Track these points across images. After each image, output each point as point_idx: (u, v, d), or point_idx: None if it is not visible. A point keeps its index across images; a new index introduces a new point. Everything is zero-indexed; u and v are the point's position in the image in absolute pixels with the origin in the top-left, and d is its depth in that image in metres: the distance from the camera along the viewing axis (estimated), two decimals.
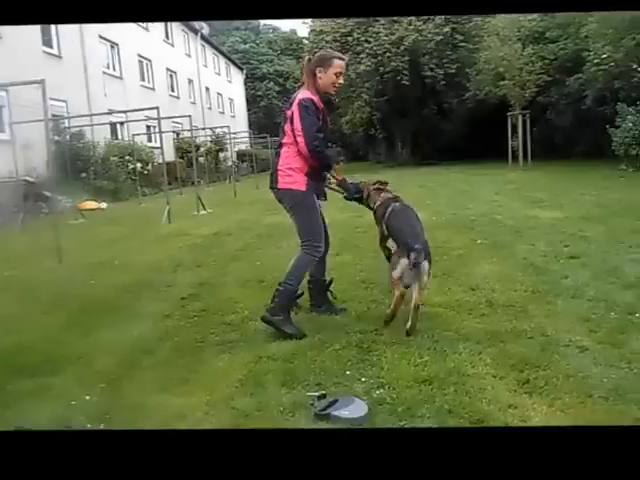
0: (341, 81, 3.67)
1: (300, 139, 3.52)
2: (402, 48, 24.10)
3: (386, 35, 24.17)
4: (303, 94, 3.60)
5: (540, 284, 4.36)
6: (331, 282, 4.05)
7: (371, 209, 3.97)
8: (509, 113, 20.09)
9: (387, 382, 2.76)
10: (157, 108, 11.34)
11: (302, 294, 3.92)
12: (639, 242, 5.61)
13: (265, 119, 50.00)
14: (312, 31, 28.44)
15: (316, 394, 2.57)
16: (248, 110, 45.55)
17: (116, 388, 2.92)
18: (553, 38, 20.82)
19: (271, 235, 7.86)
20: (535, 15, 20.79)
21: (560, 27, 20.62)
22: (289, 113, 3.60)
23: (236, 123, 36.74)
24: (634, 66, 15.23)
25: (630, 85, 15.59)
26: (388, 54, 24.39)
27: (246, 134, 32.59)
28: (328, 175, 3.89)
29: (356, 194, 4.00)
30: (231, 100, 40.33)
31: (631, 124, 14.26)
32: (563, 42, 20.26)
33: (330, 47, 26.10)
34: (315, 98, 3.59)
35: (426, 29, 24.01)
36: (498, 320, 3.60)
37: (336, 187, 3.99)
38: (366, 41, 24.75)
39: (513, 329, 3.42)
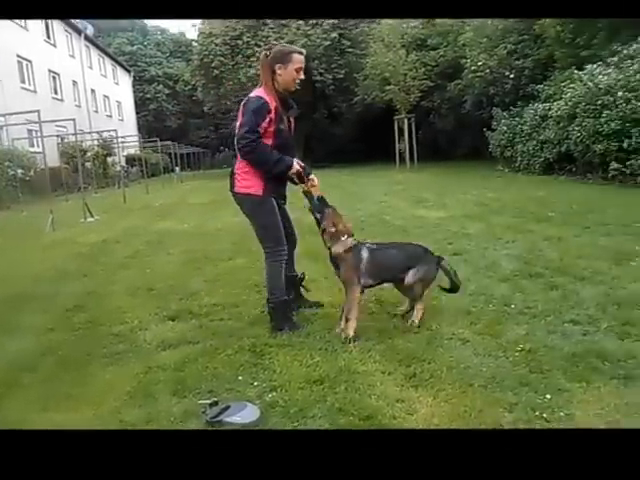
0: (302, 76, 3.52)
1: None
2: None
3: (275, 39, 24.22)
4: (254, 92, 3.46)
5: None
6: (303, 277, 3.92)
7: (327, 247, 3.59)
8: (395, 117, 20.94)
9: (279, 385, 2.76)
10: (38, 111, 10.92)
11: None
12: (514, 238, 6.03)
13: (155, 122, 48.84)
14: (201, 34, 27.88)
15: (207, 401, 2.55)
16: (137, 113, 44.46)
17: None
18: (434, 45, 21.97)
19: (161, 241, 7.73)
20: (417, 22, 21.83)
21: (440, 35, 21.82)
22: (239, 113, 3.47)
23: (124, 127, 36.04)
24: (506, 73, 16.45)
25: (504, 91, 16.82)
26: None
27: (135, 138, 31.98)
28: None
29: (318, 213, 3.59)
30: (119, 103, 39.17)
31: (505, 127, 15.36)
32: (443, 49, 21.45)
33: (220, 50, 25.73)
34: (268, 97, 3.41)
35: (314, 34, 24.37)
36: (387, 317, 3.70)
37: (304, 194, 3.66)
38: (256, 45, 24.65)
39: (401, 325, 3.51)
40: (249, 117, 3.34)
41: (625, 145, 10.06)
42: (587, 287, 4.09)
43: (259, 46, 24.63)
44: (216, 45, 25.63)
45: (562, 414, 2.36)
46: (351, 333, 3.33)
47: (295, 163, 3.46)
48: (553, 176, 12.74)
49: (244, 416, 2.44)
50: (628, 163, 10.06)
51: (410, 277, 3.51)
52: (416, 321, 3.51)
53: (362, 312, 3.73)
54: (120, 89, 39.73)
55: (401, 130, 20.81)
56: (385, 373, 2.84)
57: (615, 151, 10.41)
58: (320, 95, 26.64)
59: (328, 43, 24.70)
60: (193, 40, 34.84)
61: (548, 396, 2.50)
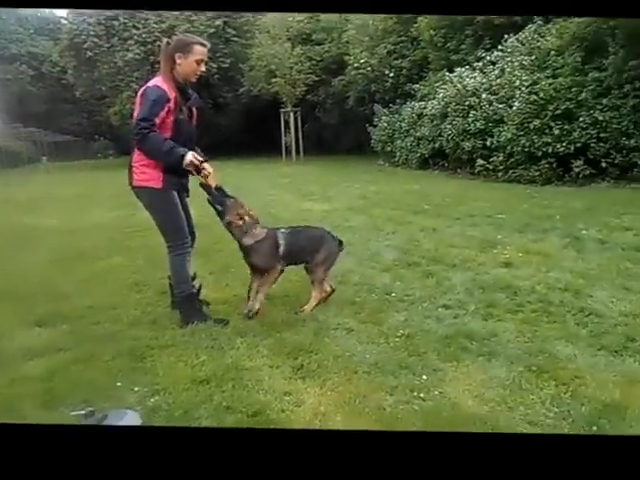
0: (203, 69, 3.44)
1: None
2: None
3: (156, 22, 23.21)
4: (152, 81, 3.36)
5: None
6: (200, 289, 3.72)
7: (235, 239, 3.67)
8: (281, 110, 21.00)
9: (163, 388, 2.69)
10: None
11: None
12: (394, 229, 6.37)
13: (18, 107, 44.87)
14: (72, 11, 25.94)
15: (82, 412, 2.35)
16: None
17: None
18: (319, 40, 22.30)
19: (25, 239, 7.00)
20: (302, 16, 22.00)
21: (325, 30, 22.19)
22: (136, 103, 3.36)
23: None
24: (386, 72, 17.15)
25: (384, 89, 17.51)
26: (159, 43, 23.51)
27: None
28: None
29: (219, 205, 3.59)
30: None
31: (386, 124, 16.03)
32: (328, 45, 21.85)
33: (93, 30, 24.10)
34: (165, 86, 3.31)
35: (198, 20, 23.71)
36: (274, 311, 3.74)
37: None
38: (134, 27, 23.44)
39: (288, 318, 3.58)
40: (146, 106, 3.26)
41: (488, 143, 10.95)
42: (457, 274, 4.45)
43: (137, 28, 23.46)
44: (89, 24, 23.83)
45: (436, 393, 2.57)
46: (257, 306, 3.53)
47: (190, 154, 3.32)
48: (428, 171, 13.53)
49: (124, 424, 2.29)
50: (491, 160, 10.96)
51: (317, 258, 3.72)
52: (307, 308, 3.64)
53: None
54: None
55: (287, 123, 20.92)
56: (273, 367, 2.89)
57: (480, 148, 11.29)
58: (204, 84, 26.00)
59: (212, 31, 24.09)
60: (62, 17, 32.20)
61: (424, 377, 2.72)
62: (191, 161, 3.34)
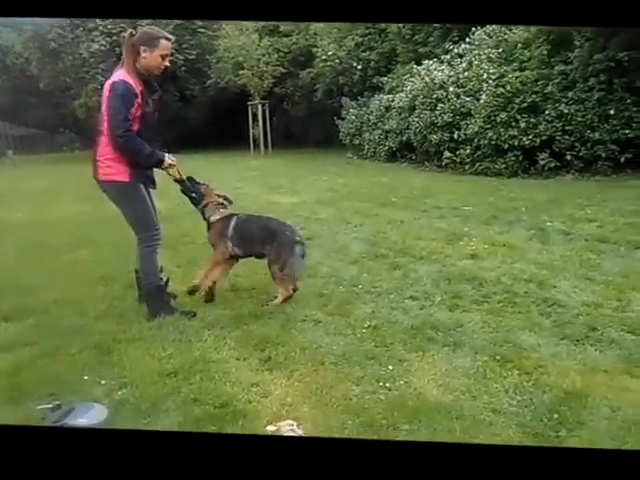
0: (167, 63, 3.39)
1: (106, 126, 3.23)
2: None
3: None
4: (118, 75, 3.26)
5: None
6: (167, 282, 3.67)
7: (205, 219, 3.86)
8: (249, 102, 20.83)
9: (130, 381, 2.68)
10: None
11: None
12: (362, 222, 6.40)
13: None
14: None
15: (49, 406, 2.35)
16: None
17: None
18: (287, 32, 22.17)
19: None
20: None
21: (293, 22, 22.09)
22: (103, 96, 3.28)
23: None
24: (354, 64, 17.17)
25: (352, 81, 17.53)
26: (124, 34, 23.01)
27: None
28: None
29: (193, 193, 3.81)
30: None
31: (354, 117, 16.05)
32: (296, 36, 21.74)
33: (57, 21, 23.49)
34: (131, 80, 3.25)
35: None
36: (242, 304, 3.73)
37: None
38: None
39: (255, 310, 3.57)
40: (119, 104, 3.22)
41: (456, 136, 11.06)
42: (424, 266, 4.49)
43: (103, 20, 22.94)
44: None
45: (402, 382, 2.60)
46: (197, 282, 3.67)
47: (167, 157, 3.44)
48: (396, 163, 13.62)
49: (91, 417, 2.30)
50: (458, 152, 11.07)
51: (270, 253, 3.69)
52: (269, 304, 3.63)
53: (217, 300, 3.75)
54: None
55: (255, 116, 20.77)
56: (240, 359, 2.89)
57: (448, 141, 11.39)
58: (171, 76, 25.58)
59: (179, 22, 23.73)
60: None
61: (390, 367, 2.75)
62: (169, 164, 3.47)
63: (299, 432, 2.15)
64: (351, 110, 16.30)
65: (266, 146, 20.48)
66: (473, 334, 3.13)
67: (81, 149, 40.28)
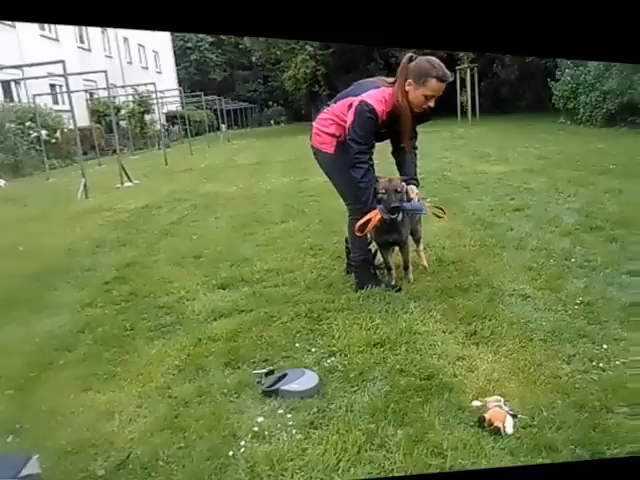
0: (431, 104, 3.14)
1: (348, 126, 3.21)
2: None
3: None
4: (374, 94, 3.14)
5: (487, 238, 4.52)
6: (375, 254, 3.77)
7: None
8: (457, 67, 19.93)
9: (338, 350, 2.72)
10: (62, 62, 9.40)
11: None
12: (575, 191, 5.94)
13: (198, 75, 43.36)
14: None
15: (263, 371, 2.48)
16: (177, 65, 40.02)
17: (27, 394, 2.60)
18: None
19: (208, 205, 7.41)
20: None
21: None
22: (351, 99, 3.22)
23: (163, 80, 31.74)
24: None
25: None
26: None
27: (176, 93, 28.16)
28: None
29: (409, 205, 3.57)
30: (156, 53, 35.19)
31: (569, 77, 14.62)
32: None
33: None
34: (381, 107, 3.12)
35: None
36: (448, 276, 3.74)
37: None
38: None
39: (462, 284, 3.56)
40: (363, 127, 3.14)
41: None
42: None
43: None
44: None
45: (618, 362, 2.45)
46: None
47: (376, 214, 3.27)
48: (614, 128, 12.14)
49: (302, 383, 2.38)
50: None
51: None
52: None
53: (423, 272, 3.86)
54: (157, 37, 33.88)
55: (463, 81, 20.01)
56: (446, 332, 2.86)
57: None
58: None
59: None
60: None
61: (605, 346, 2.58)
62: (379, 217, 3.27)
63: (506, 409, 2.11)
64: (566, 70, 14.85)
65: (474, 113, 19.71)
66: None
67: (286, 122, 41.59)
